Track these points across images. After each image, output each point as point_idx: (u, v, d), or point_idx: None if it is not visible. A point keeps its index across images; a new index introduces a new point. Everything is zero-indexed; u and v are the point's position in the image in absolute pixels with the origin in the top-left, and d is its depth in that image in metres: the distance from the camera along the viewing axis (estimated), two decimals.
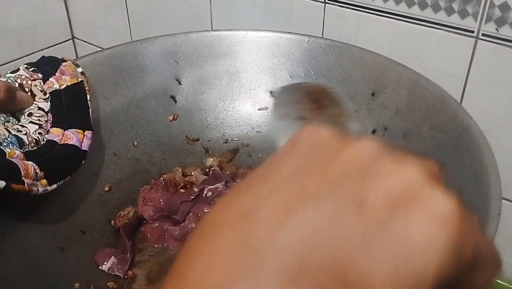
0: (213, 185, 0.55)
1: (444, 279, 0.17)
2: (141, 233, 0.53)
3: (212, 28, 0.75)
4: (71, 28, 0.96)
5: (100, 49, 0.62)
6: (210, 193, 0.54)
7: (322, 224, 0.17)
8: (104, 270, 0.47)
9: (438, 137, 0.48)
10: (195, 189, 0.54)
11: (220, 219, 0.19)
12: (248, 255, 0.17)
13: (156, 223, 0.53)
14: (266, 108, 0.63)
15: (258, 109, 0.63)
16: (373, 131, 0.55)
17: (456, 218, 0.17)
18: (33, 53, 0.91)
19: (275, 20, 0.68)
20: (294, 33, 0.61)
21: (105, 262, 0.48)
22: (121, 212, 0.53)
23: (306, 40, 0.60)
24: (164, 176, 0.57)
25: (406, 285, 0.16)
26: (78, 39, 0.98)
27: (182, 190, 0.56)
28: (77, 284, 0.45)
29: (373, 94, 0.56)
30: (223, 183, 0.55)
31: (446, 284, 0.17)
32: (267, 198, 0.18)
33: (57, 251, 0.47)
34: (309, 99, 0.46)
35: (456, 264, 0.17)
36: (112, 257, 0.48)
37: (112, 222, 0.53)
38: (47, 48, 0.93)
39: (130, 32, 0.87)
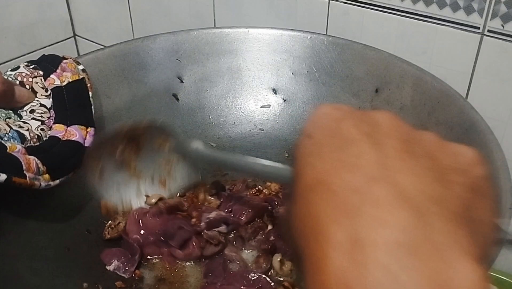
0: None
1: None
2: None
3: (215, 25, 0.75)
4: (72, 26, 0.96)
5: (102, 47, 0.61)
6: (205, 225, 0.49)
7: (436, 178, 0.20)
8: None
9: (444, 133, 0.48)
10: (194, 220, 0.50)
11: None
12: (400, 214, 0.18)
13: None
14: (269, 105, 0.62)
15: (261, 107, 0.63)
16: None
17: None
18: (35, 51, 0.90)
19: (279, 17, 0.68)
20: (297, 30, 0.61)
21: (112, 262, 0.47)
22: (110, 221, 0.51)
23: (309, 37, 0.60)
24: (168, 201, 0.52)
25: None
26: (79, 37, 0.97)
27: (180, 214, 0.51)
28: (85, 284, 0.45)
29: (377, 90, 0.56)
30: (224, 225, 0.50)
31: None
32: (380, 168, 0.20)
33: (64, 251, 0.46)
34: (123, 140, 0.48)
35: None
36: (116, 260, 0.47)
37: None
38: (49, 46, 0.93)
39: (132, 30, 0.87)
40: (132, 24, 0.86)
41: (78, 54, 0.98)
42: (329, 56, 0.59)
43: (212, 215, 0.48)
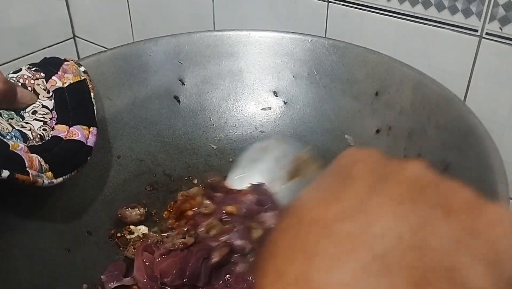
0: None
1: None
2: None
3: (214, 27, 0.75)
4: (72, 27, 0.96)
5: (102, 48, 0.62)
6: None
7: (419, 228, 0.18)
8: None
9: (443, 137, 0.48)
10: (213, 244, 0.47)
11: (313, 227, 0.19)
12: (360, 256, 0.17)
13: None
14: (270, 108, 0.63)
15: (262, 109, 0.63)
16: (377, 131, 0.55)
17: None
18: (35, 52, 0.90)
19: (278, 19, 0.68)
20: (297, 33, 0.61)
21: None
22: (134, 237, 0.51)
23: (309, 40, 0.60)
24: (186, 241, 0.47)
25: (504, 284, 0.18)
26: (79, 38, 0.98)
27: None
28: (85, 285, 0.45)
29: (377, 94, 0.56)
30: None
31: None
32: (359, 206, 0.19)
33: (64, 253, 0.47)
34: (291, 167, 0.47)
35: None
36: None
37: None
38: (49, 47, 0.93)
39: (132, 31, 0.87)
40: (131, 26, 0.87)
41: (78, 55, 0.98)
42: (330, 59, 0.59)
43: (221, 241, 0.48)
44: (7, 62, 0.87)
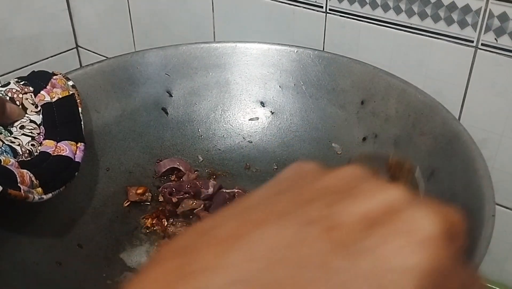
0: None
1: None
2: None
3: (214, 38, 0.76)
4: (75, 37, 0.97)
5: (104, 58, 0.62)
6: None
7: (280, 244, 0.16)
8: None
9: (428, 144, 0.50)
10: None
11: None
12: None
13: None
14: (257, 118, 0.63)
15: (249, 120, 0.64)
16: (364, 139, 0.56)
17: (438, 244, 0.16)
18: (38, 62, 0.91)
19: (277, 30, 0.69)
20: (283, 44, 0.62)
21: None
22: None
23: (295, 51, 0.61)
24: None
25: None
26: (82, 48, 0.98)
27: None
28: None
29: (362, 102, 0.57)
30: None
31: None
32: (231, 219, 0.18)
33: (56, 266, 0.46)
34: (386, 174, 0.46)
35: None
36: None
37: None
38: (51, 57, 0.93)
39: (134, 41, 0.87)
40: (133, 36, 0.87)
41: (81, 65, 0.99)
42: (316, 69, 0.60)
43: None
44: (10, 72, 0.87)
